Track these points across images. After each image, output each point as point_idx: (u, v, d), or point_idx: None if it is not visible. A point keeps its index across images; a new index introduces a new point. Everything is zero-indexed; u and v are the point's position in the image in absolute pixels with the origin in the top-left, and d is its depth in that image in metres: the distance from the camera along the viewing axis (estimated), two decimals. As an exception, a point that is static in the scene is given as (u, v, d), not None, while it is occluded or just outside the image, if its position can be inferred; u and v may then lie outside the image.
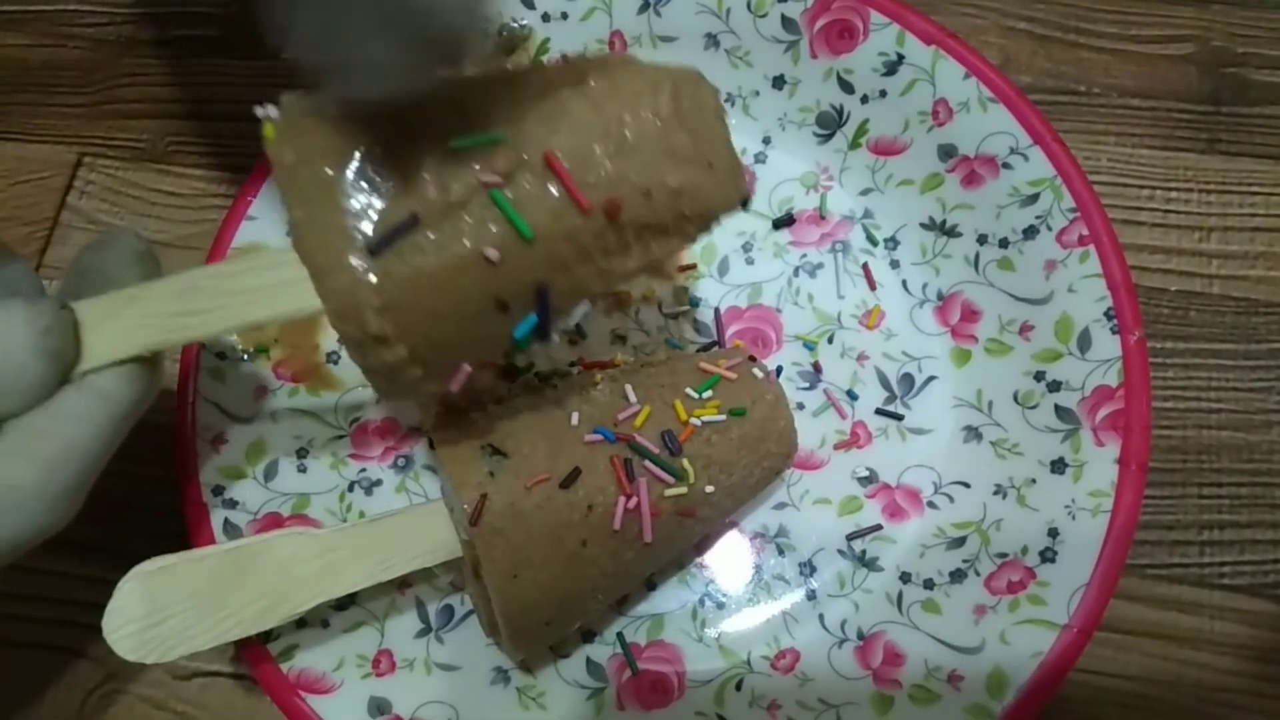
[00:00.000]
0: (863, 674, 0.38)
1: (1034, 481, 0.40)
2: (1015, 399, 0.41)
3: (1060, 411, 0.40)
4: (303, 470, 0.42)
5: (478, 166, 0.29)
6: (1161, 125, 0.49)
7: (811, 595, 0.41)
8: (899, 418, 0.43)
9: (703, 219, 0.33)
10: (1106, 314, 0.40)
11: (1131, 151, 0.48)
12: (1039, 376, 0.41)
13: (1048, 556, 0.38)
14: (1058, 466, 0.39)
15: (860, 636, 0.39)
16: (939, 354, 0.43)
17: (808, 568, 0.41)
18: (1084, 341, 0.40)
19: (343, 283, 0.29)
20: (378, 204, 0.29)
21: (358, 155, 0.29)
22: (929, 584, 0.40)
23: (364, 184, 0.29)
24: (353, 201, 0.29)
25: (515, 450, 0.35)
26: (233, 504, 0.40)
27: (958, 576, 0.39)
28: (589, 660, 0.40)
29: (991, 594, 0.38)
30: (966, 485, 0.41)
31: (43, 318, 0.29)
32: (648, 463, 0.35)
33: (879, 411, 0.43)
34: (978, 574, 0.39)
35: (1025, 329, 0.42)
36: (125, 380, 0.31)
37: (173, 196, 0.50)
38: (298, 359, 0.43)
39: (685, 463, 0.36)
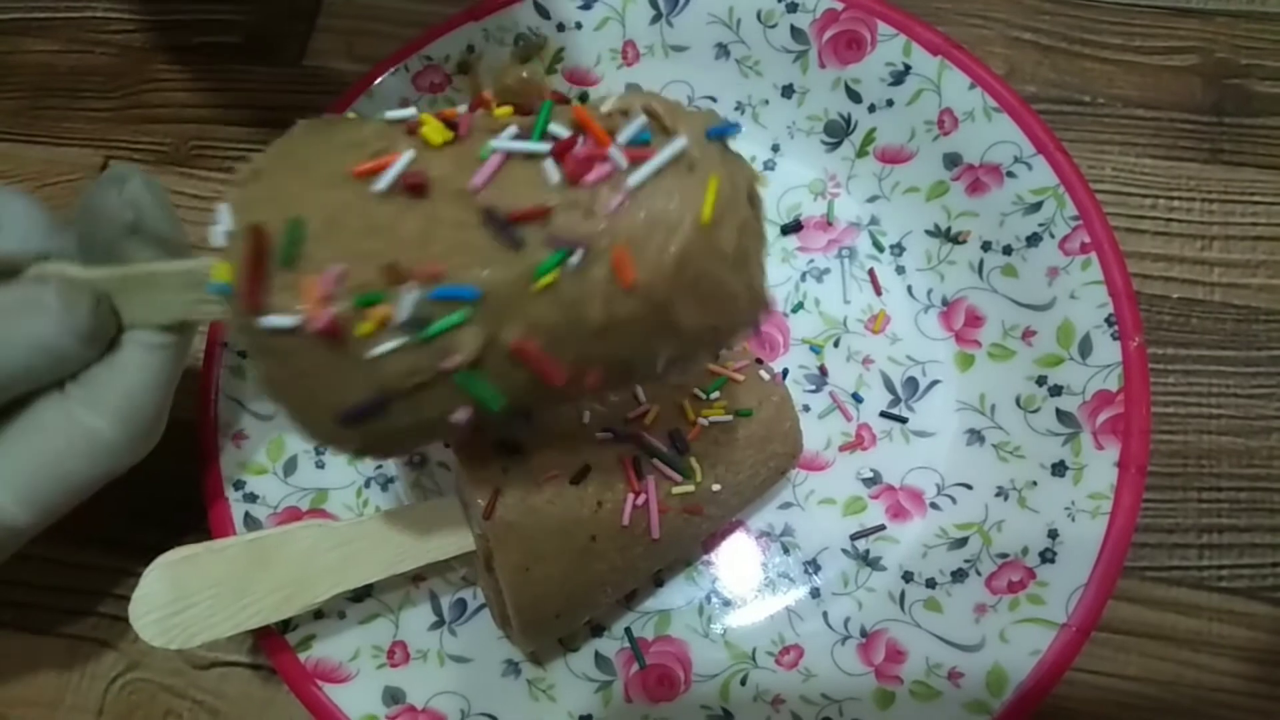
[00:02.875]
0: (865, 670, 0.39)
1: (1035, 484, 0.40)
2: (1017, 403, 0.42)
3: (1061, 415, 0.41)
4: (320, 466, 0.43)
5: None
6: (1165, 135, 0.50)
7: (815, 593, 0.42)
8: (903, 420, 0.44)
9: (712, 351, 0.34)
10: (1108, 320, 0.40)
11: (1135, 161, 0.49)
12: (1041, 381, 0.42)
13: (1047, 557, 0.39)
14: (1058, 469, 0.40)
15: (863, 634, 0.40)
16: (943, 358, 0.44)
17: (812, 566, 0.42)
18: (1085, 347, 0.41)
19: (322, 435, 0.31)
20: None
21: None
22: (931, 583, 0.41)
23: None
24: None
25: (528, 446, 0.36)
26: (253, 498, 0.41)
27: (959, 576, 0.40)
28: (597, 654, 0.41)
29: (992, 593, 0.39)
30: (969, 487, 0.42)
31: (81, 319, 0.31)
32: (656, 461, 0.36)
33: (883, 414, 0.44)
34: (979, 574, 0.40)
35: (1028, 334, 0.42)
36: (168, 332, 0.33)
37: (195, 199, 0.51)
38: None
39: (693, 461, 0.37)
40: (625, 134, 0.28)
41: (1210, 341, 0.46)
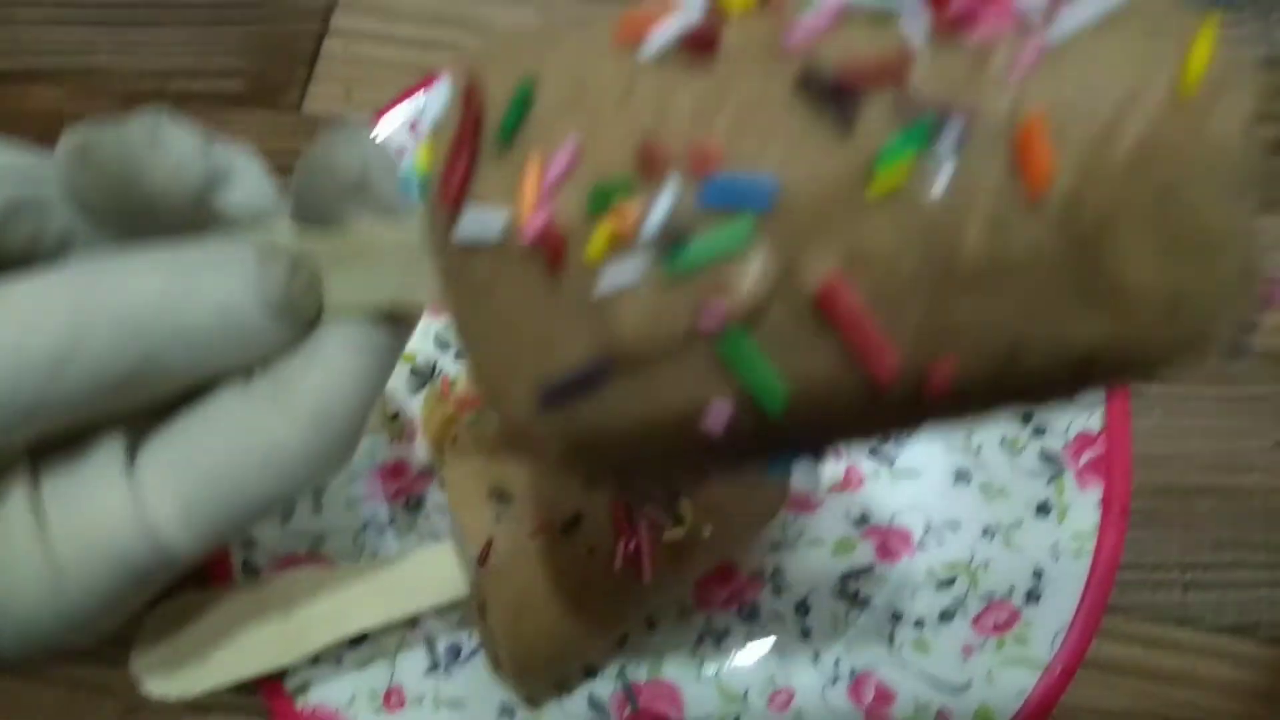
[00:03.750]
0: (855, 711, 0.40)
1: (1020, 523, 0.41)
2: (1002, 443, 0.43)
3: (1045, 455, 0.42)
4: (317, 511, 0.44)
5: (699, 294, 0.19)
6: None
7: (806, 633, 0.42)
8: (890, 461, 0.45)
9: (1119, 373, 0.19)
10: (1089, 363, 0.41)
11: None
12: (1025, 420, 0.42)
13: (1032, 597, 0.39)
14: (1042, 509, 0.41)
15: (852, 675, 0.41)
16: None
17: (803, 607, 0.43)
18: (1067, 389, 0.42)
19: (518, 419, 0.21)
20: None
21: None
22: (919, 623, 0.41)
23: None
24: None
25: (520, 495, 0.36)
26: (251, 544, 0.42)
27: (946, 616, 0.41)
28: (591, 696, 0.41)
29: (979, 633, 0.40)
30: (956, 526, 0.43)
31: (275, 286, 0.25)
32: (646, 506, 0.37)
33: (872, 454, 0.45)
34: (966, 613, 0.41)
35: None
36: (383, 324, 0.26)
37: (196, 245, 0.52)
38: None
39: (684, 506, 0.38)
40: None
41: (1192, 378, 0.46)
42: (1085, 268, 0.17)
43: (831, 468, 0.45)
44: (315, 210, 0.26)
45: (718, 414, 0.19)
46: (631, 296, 0.18)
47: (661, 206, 0.18)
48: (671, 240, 0.18)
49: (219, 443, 0.25)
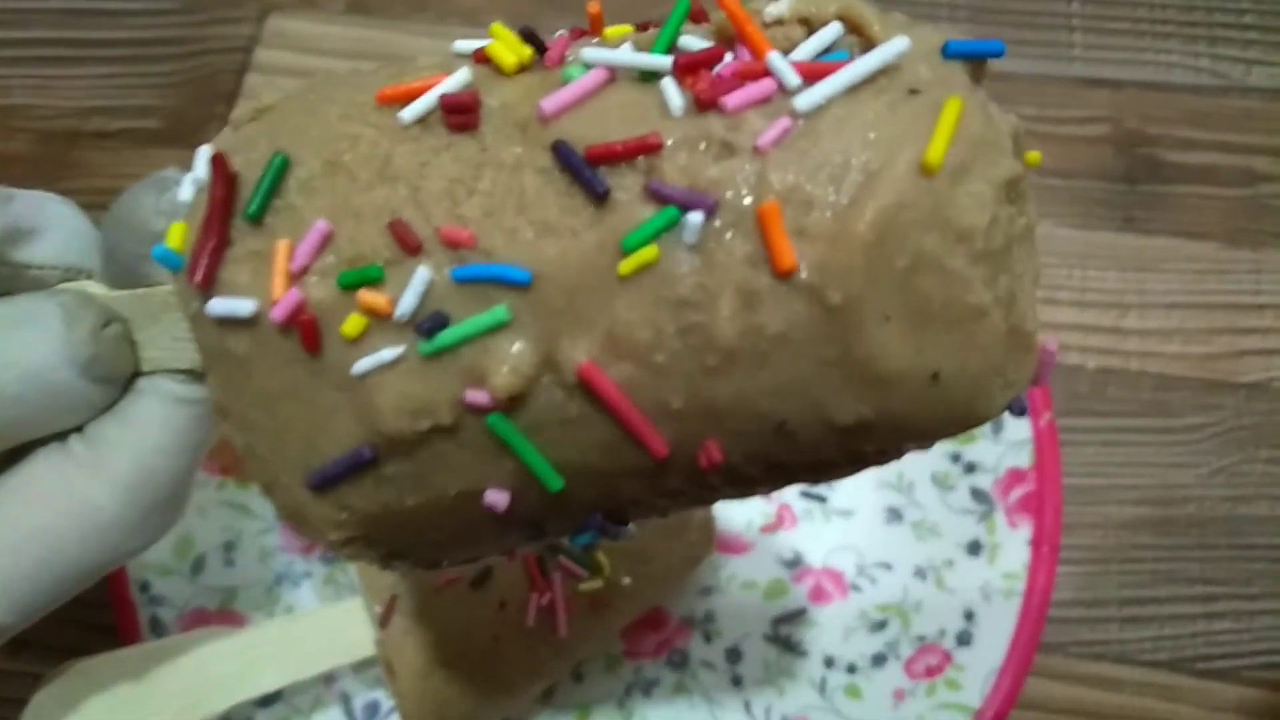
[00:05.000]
0: (785, 761, 0.39)
1: (952, 563, 0.40)
2: (934, 480, 0.42)
3: (975, 493, 0.41)
4: (230, 564, 0.42)
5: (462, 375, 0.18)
6: (1079, 203, 0.50)
7: (738, 681, 0.41)
8: (823, 500, 0.44)
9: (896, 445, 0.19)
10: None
11: (1051, 230, 0.50)
12: (955, 458, 0.42)
13: (964, 640, 0.38)
14: (973, 548, 0.40)
15: (783, 723, 0.40)
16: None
17: (734, 654, 0.42)
18: (997, 423, 0.41)
19: (292, 507, 0.22)
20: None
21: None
22: (851, 668, 0.40)
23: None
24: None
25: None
26: (160, 600, 0.41)
27: (878, 660, 0.40)
28: (515, 752, 0.40)
29: (910, 678, 0.39)
30: (888, 566, 0.42)
31: (81, 344, 0.24)
32: (561, 557, 0.36)
33: (804, 494, 0.44)
34: (898, 657, 0.40)
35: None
36: (196, 381, 0.25)
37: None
38: (226, 451, 0.43)
39: (600, 556, 0.37)
40: (804, 49, 0.18)
41: (1127, 411, 0.46)
42: (842, 344, 0.17)
43: (763, 508, 0.44)
44: (123, 266, 0.25)
45: (496, 494, 0.18)
46: (391, 377, 0.18)
47: (414, 289, 0.18)
48: (429, 321, 0.18)
49: (32, 512, 0.24)
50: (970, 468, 0.41)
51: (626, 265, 0.17)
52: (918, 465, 0.43)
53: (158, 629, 0.40)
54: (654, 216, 0.17)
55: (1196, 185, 0.50)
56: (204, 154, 0.21)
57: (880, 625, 0.41)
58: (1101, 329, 0.48)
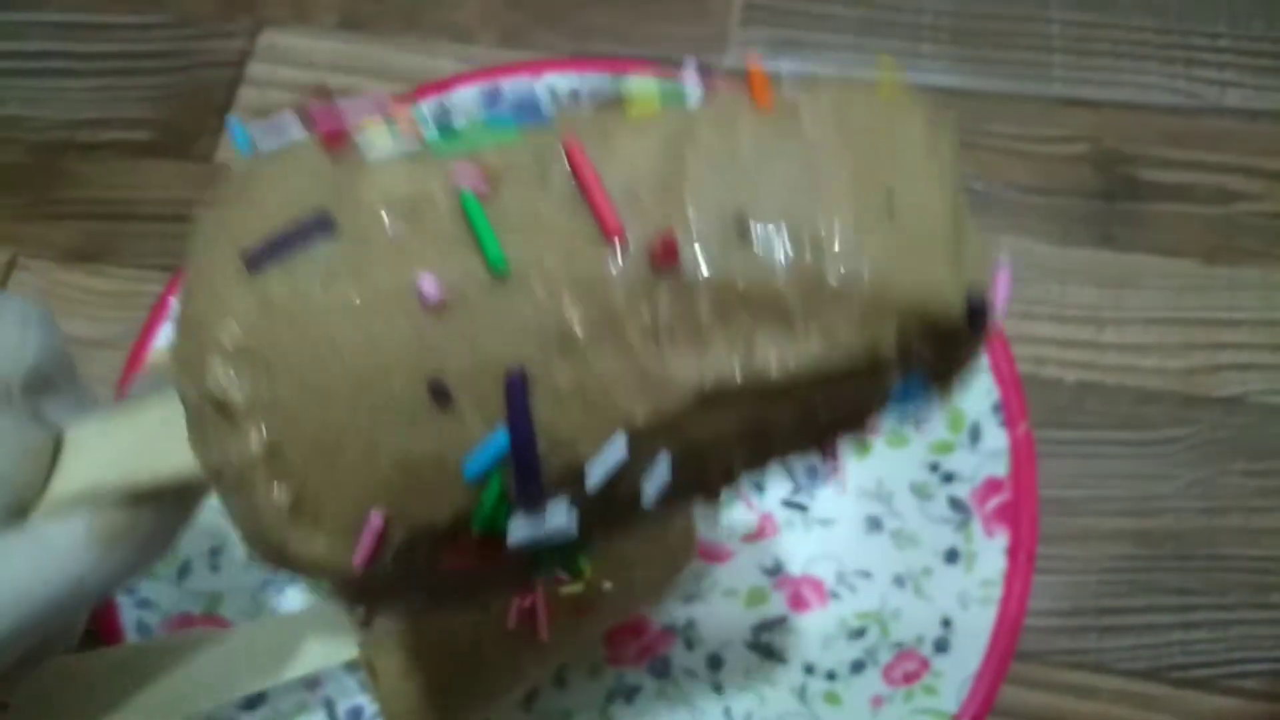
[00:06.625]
0: (765, 767, 0.39)
1: (929, 571, 0.41)
2: (913, 490, 0.42)
3: (953, 502, 0.41)
4: (215, 569, 0.42)
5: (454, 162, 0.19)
6: (1058, 220, 0.51)
7: (719, 688, 0.41)
8: (804, 509, 0.44)
9: (879, 309, 0.19)
10: (994, 407, 0.41)
11: (1030, 246, 0.51)
12: (934, 468, 0.42)
13: (941, 646, 0.39)
14: (951, 557, 0.40)
15: (763, 729, 0.40)
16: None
17: (715, 661, 0.42)
18: (974, 433, 0.41)
19: (197, 308, 0.20)
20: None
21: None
22: (831, 675, 0.40)
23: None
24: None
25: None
26: (145, 604, 0.41)
27: (857, 667, 0.40)
28: (496, 757, 0.40)
29: (889, 684, 0.39)
30: (868, 575, 0.42)
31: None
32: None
33: (785, 503, 0.44)
34: (876, 664, 0.40)
35: (920, 420, 0.43)
36: (88, 535, 0.24)
37: (103, 295, 0.51)
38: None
39: (581, 560, 0.37)
40: None
41: (1106, 424, 0.47)
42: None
43: (745, 516, 0.44)
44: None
45: (431, 288, 0.18)
46: None
47: None
48: None
49: None
50: (948, 477, 0.42)
51: None
52: (897, 475, 0.43)
53: (143, 634, 0.40)
54: None
55: (1174, 203, 0.51)
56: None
57: (859, 633, 0.41)
58: (1080, 343, 0.48)
